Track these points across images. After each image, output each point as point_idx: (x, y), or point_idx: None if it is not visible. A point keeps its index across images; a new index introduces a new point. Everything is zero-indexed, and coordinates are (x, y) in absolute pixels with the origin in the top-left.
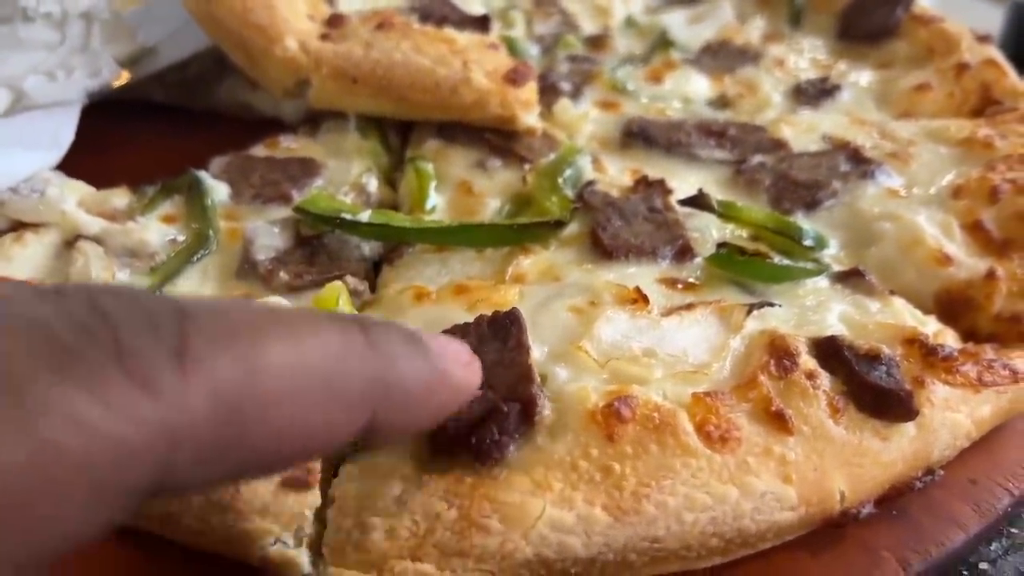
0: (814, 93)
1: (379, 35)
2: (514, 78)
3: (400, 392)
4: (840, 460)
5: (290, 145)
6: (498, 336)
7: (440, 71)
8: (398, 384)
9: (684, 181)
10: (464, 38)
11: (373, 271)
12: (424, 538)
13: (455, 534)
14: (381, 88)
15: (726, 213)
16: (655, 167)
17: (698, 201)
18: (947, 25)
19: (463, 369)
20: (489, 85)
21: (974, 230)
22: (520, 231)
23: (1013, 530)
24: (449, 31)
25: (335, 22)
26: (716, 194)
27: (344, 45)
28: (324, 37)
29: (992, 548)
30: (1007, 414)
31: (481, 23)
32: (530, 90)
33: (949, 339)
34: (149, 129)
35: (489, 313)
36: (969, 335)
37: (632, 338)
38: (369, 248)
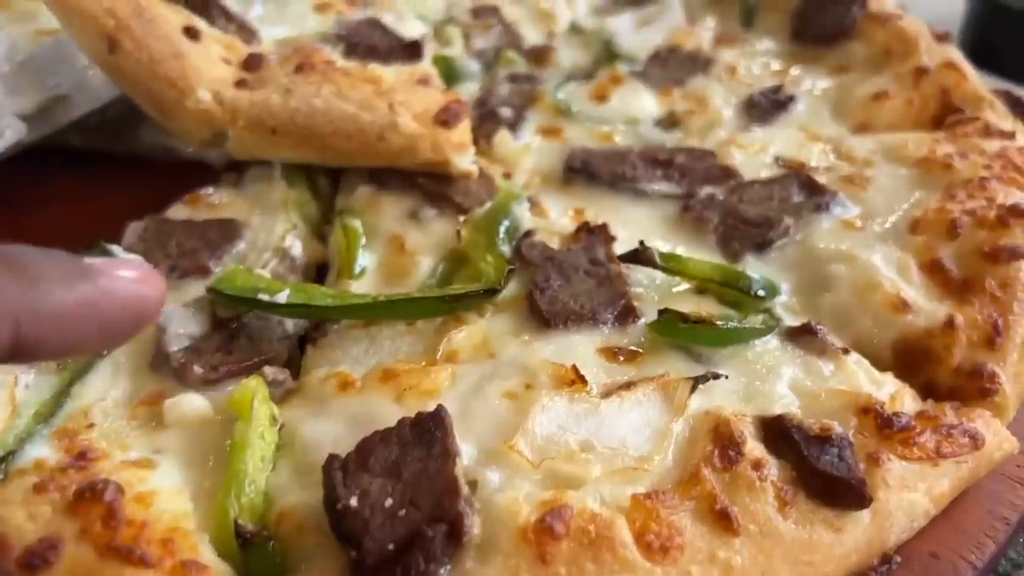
0: (767, 106)
1: (298, 79)
2: (445, 119)
3: (50, 310)
4: (789, 559)
5: (212, 201)
6: (422, 441)
7: (364, 117)
8: (46, 303)
9: (629, 221)
10: (391, 76)
11: (299, 347)
12: None
13: None
14: (302, 138)
15: (670, 268)
16: (598, 205)
17: (640, 257)
18: (905, 23)
19: (134, 284)
20: (418, 129)
21: (933, 270)
22: (451, 302)
23: None
24: (375, 69)
25: (252, 64)
26: (662, 235)
27: (261, 93)
28: (240, 84)
29: None
30: (967, 483)
31: (412, 49)
32: (463, 131)
33: (907, 400)
34: (66, 182)
35: (413, 415)
36: (928, 389)
37: (569, 429)
38: (293, 323)
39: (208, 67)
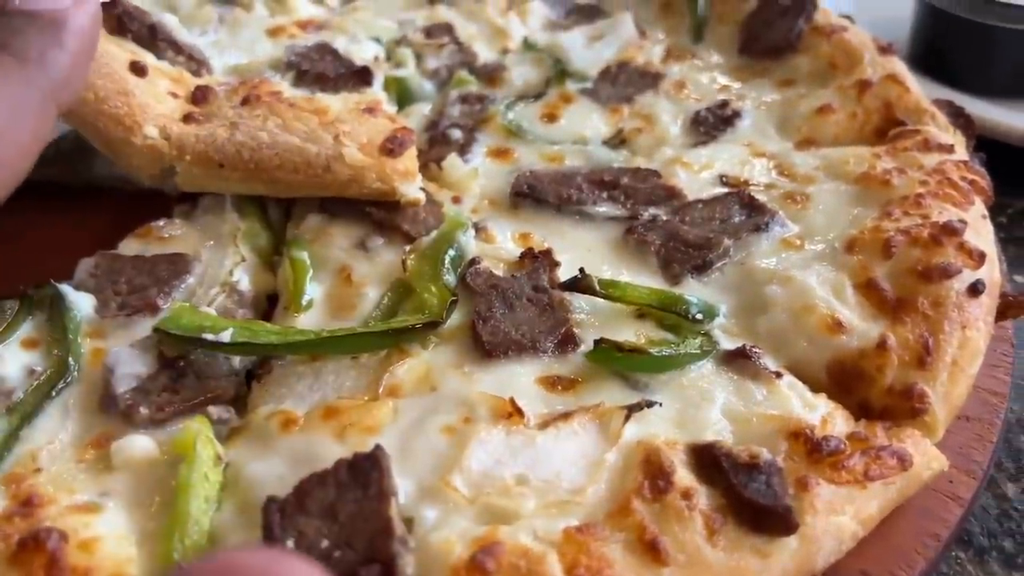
0: (713, 122)
1: (244, 112)
2: (391, 148)
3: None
4: None
5: (163, 234)
6: (359, 482)
7: (310, 149)
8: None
9: (575, 244)
10: (337, 105)
11: (247, 382)
12: None
13: None
14: (250, 171)
15: (609, 295)
16: (545, 229)
17: (579, 284)
18: (850, 35)
19: None
20: (364, 159)
21: (868, 289)
22: (394, 336)
23: None
24: (321, 99)
25: (199, 98)
26: (607, 258)
27: (207, 128)
28: (187, 118)
29: None
30: (897, 503)
31: (362, 76)
32: (409, 159)
33: (839, 422)
34: (21, 215)
35: (351, 455)
36: (863, 409)
37: (505, 463)
38: (239, 360)
39: (155, 103)
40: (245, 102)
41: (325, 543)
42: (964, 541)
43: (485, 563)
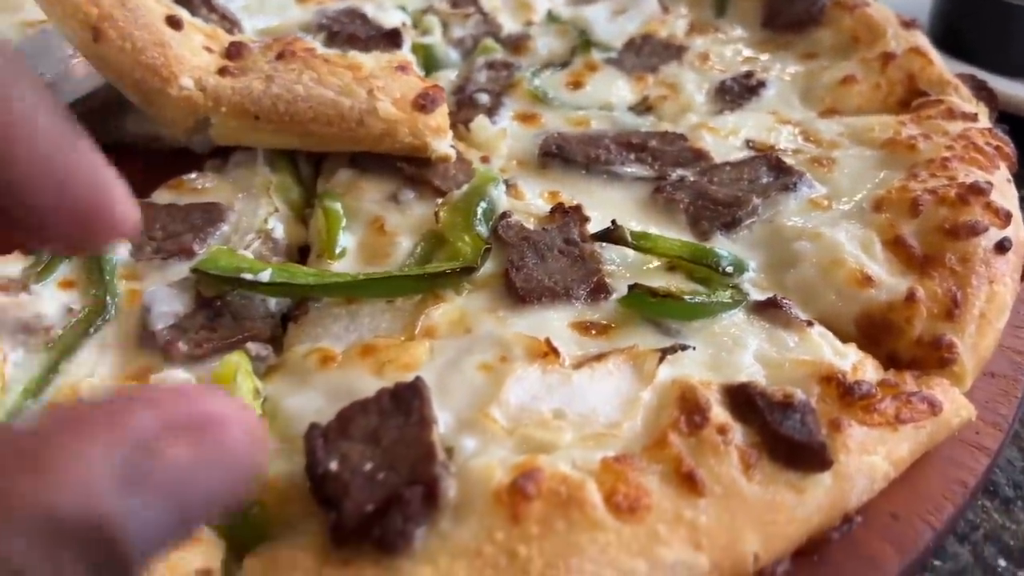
0: (738, 91)
1: (279, 66)
2: (423, 104)
3: None
4: (753, 519)
5: (195, 186)
6: (400, 410)
7: (344, 102)
8: None
9: (603, 203)
10: (370, 62)
11: (282, 325)
12: None
13: None
14: (284, 124)
15: (640, 246)
16: (573, 188)
17: (611, 235)
18: (872, 10)
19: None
20: (397, 114)
21: (896, 246)
22: (429, 280)
23: (936, 563)
24: (354, 56)
25: (234, 53)
26: (635, 215)
27: (242, 80)
28: (223, 71)
29: None
30: (927, 447)
31: (392, 38)
32: (441, 115)
33: (869, 370)
34: None
35: (392, 385)
36: (891, 360)
37: (541, 399)
38: (276, 302)
39: (191, 55)
40: (280, 57)
41: (369, 466)
42: (990, 491)
43: (526, 487)
